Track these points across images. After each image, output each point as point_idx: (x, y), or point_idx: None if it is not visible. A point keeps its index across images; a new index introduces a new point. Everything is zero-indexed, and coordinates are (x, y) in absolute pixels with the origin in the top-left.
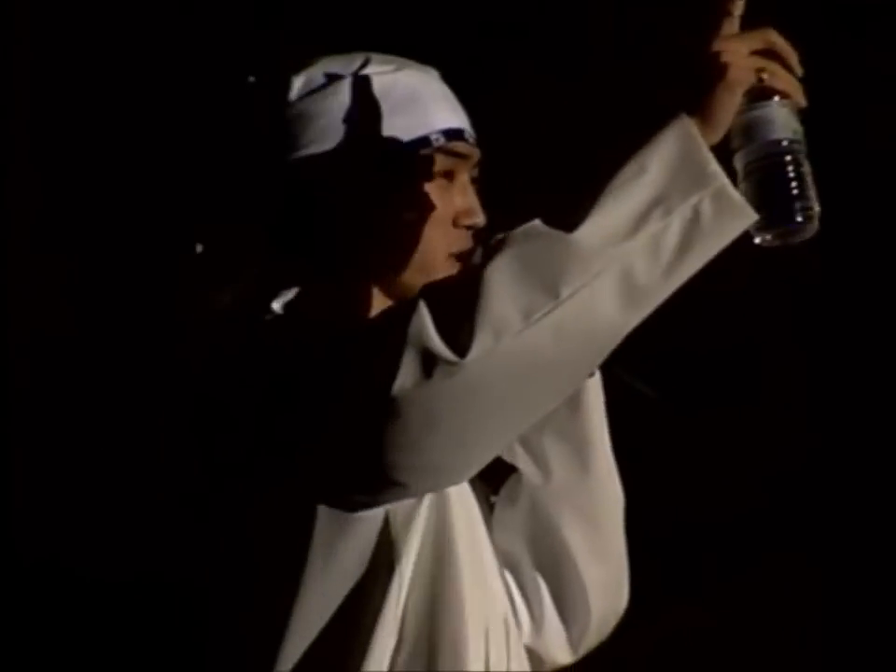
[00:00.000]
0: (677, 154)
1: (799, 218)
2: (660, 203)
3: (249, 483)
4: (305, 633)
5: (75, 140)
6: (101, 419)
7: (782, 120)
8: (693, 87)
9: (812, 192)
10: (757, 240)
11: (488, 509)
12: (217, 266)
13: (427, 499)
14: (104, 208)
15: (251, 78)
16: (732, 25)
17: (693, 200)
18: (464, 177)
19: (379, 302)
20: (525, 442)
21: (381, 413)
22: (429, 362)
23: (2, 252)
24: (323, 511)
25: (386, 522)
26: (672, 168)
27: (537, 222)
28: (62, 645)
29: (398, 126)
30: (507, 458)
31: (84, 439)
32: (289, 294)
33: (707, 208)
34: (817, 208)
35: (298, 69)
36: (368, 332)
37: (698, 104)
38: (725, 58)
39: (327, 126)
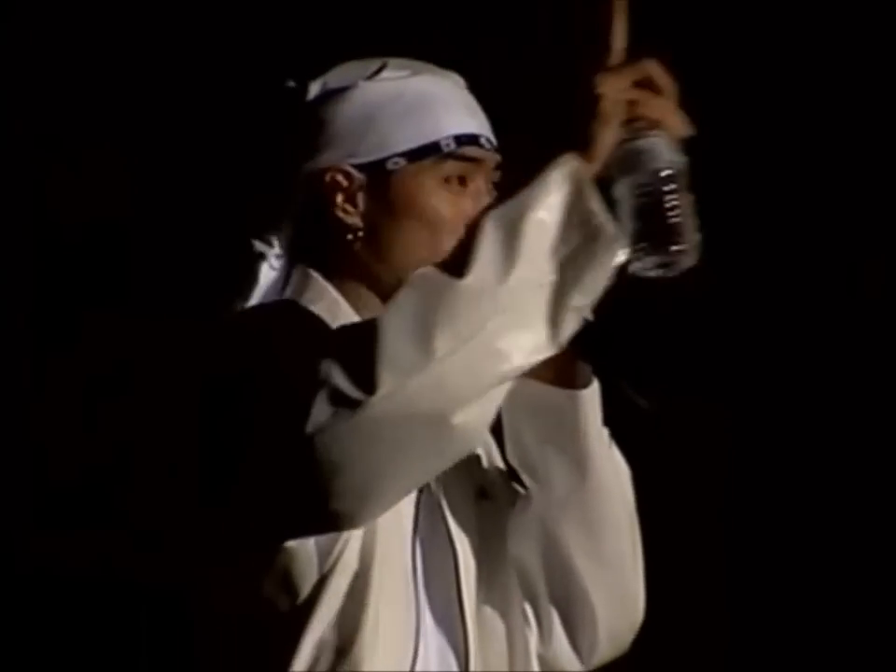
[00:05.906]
0: (563, 196)
1: (674, 248)
2: (545, 242)
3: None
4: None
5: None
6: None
7: (658, 151)
8: (571, 120)
9: (691, 223)
10: (633, 269)
11: (471, 506)
12: (230, 269)
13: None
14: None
15: (288, 83)
16: (615, 59)
17: (577, 240)
18: (478, 183)
19: (381, 309)
20: (525, 456)
21: (292, 455)
22: (337, 401)
23: None
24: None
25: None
26: (557, 208)
27: (429, 268)
28: (56, 647)
29: (407, 131)
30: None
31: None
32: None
33: (589, 245)
34: (696, 239)
35: (316, 75)
36: (286, 377)
37: (577, 137)
38: (598, 91)
39: (337, 132)
